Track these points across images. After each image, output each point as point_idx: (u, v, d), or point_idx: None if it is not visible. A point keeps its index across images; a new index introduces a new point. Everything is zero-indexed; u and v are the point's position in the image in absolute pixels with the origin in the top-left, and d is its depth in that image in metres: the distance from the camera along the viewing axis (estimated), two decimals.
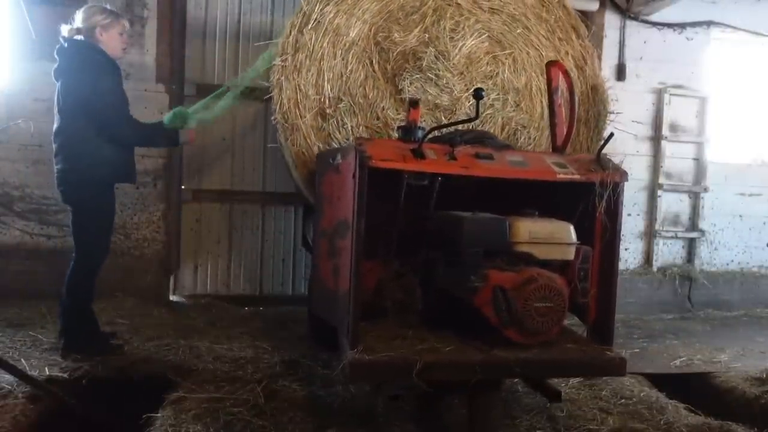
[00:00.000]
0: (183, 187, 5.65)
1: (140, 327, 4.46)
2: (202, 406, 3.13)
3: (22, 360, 3.62)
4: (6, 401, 3.07)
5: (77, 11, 3.85)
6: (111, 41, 3.80)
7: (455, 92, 4.35)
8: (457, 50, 4.38)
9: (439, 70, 4.32)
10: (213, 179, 5.70)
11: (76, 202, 3.79)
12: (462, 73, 4.39)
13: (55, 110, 3.77)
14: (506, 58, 4.50)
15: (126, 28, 3.92)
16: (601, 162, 3.16)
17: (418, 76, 4.30)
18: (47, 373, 3.47)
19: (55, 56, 3.75)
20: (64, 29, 3.81)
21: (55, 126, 3.78)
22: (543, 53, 4.54)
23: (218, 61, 5.60)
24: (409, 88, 4.26)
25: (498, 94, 4.47)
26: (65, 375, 3.48)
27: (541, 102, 4.50)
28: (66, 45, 3.76)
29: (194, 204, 5.67)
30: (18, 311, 4.64)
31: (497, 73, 4.48)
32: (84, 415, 3.27)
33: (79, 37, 3.76)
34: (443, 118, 4.30)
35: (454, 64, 4.36)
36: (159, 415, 3.08)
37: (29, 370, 3.42)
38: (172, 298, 5.57)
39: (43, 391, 3.16)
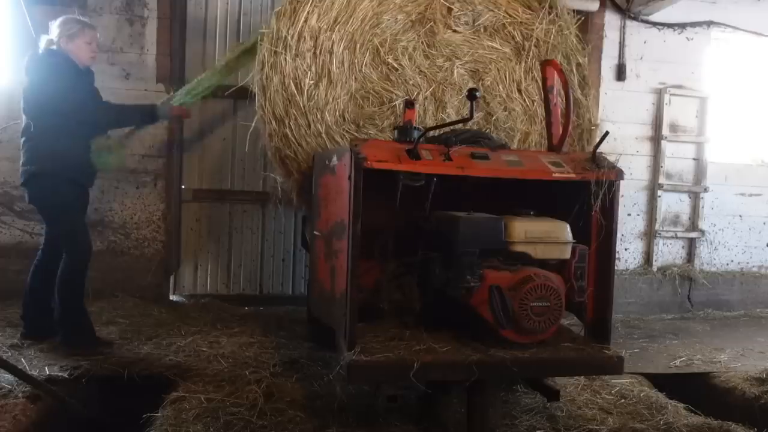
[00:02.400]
0: (183, 187, 5.66)
1: (140, 327, 4.47)
2: (202, 406, 3.14)
3: (22, 360, 3.63)
4: (6, 401, 3.08)
5: (50, 23, 4.00)
6: (77, 50, 3.95)
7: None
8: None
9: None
10: (213, 179, 5.71)
11: (36, 198, 3.95)
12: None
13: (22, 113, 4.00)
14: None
15: (96, 38, 4.06)
16: (596, 161, 3.16)
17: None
18: (47, 372, 3.48)
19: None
20: (42, 40, 3.99)
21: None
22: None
23: (218, 61, 5.60)
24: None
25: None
26: (65, 375, 3.48)
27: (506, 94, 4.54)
28: (29, 56, 3.94)
29: (194, 204, 5.69)
30: (18, 311, 4.64)
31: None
32: (84, 415, 3.28)
33: (53, 48, 3.93)
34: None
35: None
36: (159, 415, 3.09)
37: (29, 370, 3.42)
38: (172, 297, 5.59)
39: (43, 391, 3.16)
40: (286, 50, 4.17)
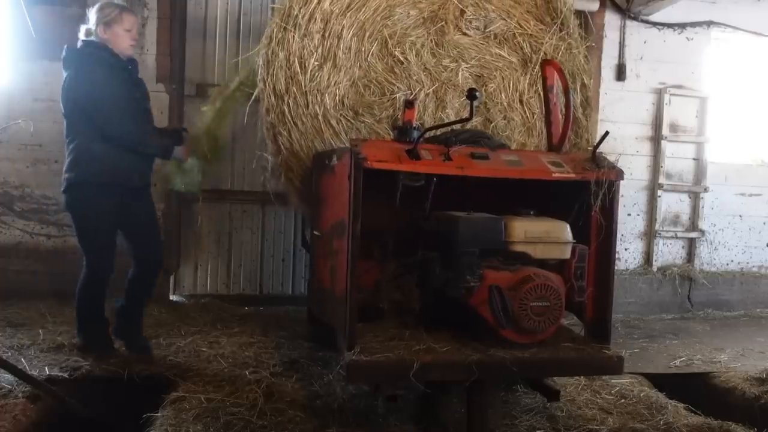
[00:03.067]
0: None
1: None
2: (202, 406, 3.13)
3: (22, 360, 3.63)
4: (6, 401, 3.08)
5: (88, 10, 3.78)
6: (116, 39, 3.67)
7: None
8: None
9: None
10: (213, 179, 5.70)
11: (69, 207, 3.73)
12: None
13: None
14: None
15: (133, 23, 3.76)
16: (596, 160, 3.16)
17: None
18: (47, 372, 3.48)
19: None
20: (81, 30, 3.72)
21: None
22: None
23: (218, 61, 5.61)
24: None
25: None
26: (65, 375, 3.49)
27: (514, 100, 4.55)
28: (66, 52, 3.70)
29: (194, 204, 5.68)
30: (18, 311, 4.66)
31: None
32: (84, 415, 3.28)
33: (91, 38, 3.68)
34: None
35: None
36: (159, 415, 3.09)
37: (29, 370, 3.43)
38: (172, 297, 5.58)
39: (43, 391, 3.16)
40: (295, 28, 4.18)
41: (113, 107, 3.59)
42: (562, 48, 4.57)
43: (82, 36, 3.72)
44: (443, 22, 4.48)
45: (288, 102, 4.15)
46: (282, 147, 4.17)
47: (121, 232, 3.82)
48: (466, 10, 4.51)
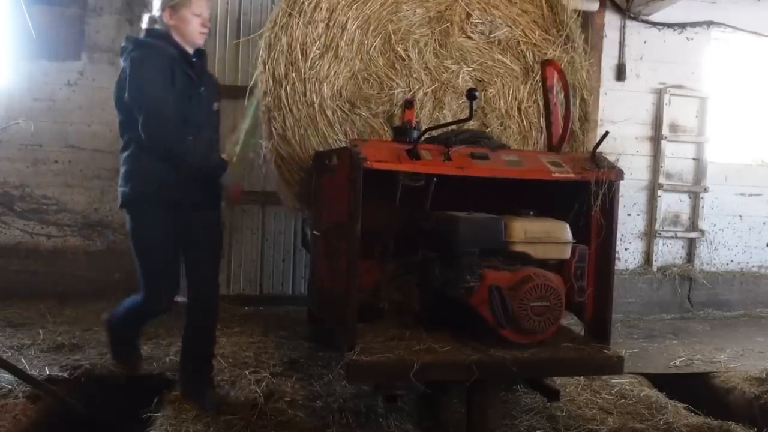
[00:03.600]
0: None
1: None
2: None
3: (22, 359, 3.63)
4: (6, 401, 3.08)
5: None
6: (183, 25, 3.13)
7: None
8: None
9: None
10: None
11: (127, 226, 3.20)
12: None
13: None
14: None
15: (205, 6, 3.22)
16: (596, 160, 3.16)
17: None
18: (47, 372, 3.48)
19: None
20: (144, 20, 3.20)
21: None
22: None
23: (218, 61, 5.61)
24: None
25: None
26: (65, 374, 3.49)
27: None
28: (125, 42, 3.15)
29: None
30: (18, 311, 4.66)
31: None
32: (84, 415, 3.28)
33: (155, 27, 3.15)
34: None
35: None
36: (159, 414, 3.09)
37: (29, 370, 3.43)
38: None
39: (43, 391, 3.16)
40: (300, 15, 4.18)
41: (157, 108, 2.97)
42: (565, 60, 4.56)
43: (144, 25, 3.19)
44: (448, 24, 4.47)
45: (286, 87, 4.14)
46: (274, 132, 4.16)
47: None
48: (473, 14, 4.51)
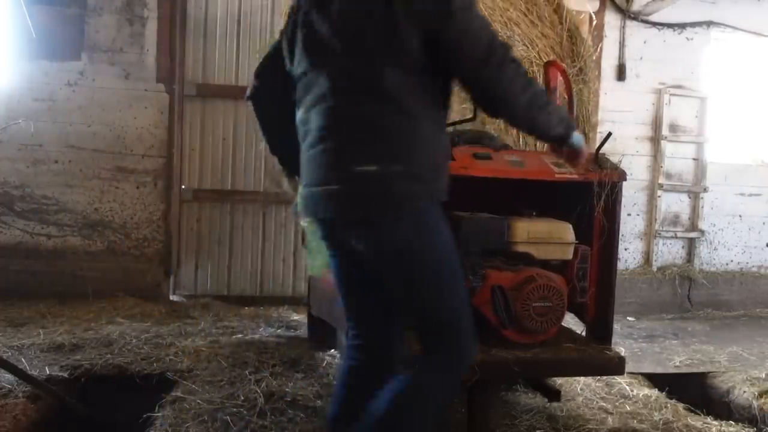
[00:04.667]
0: (183, 186, 5.65)
1: (140, 327, 4.47)
2: (202, 406, 3.12)
3: (23, 359, 3.62)
4: (6, 401, 3.07)
5: None
6: None
7: None
8: None
9: None
10: (213, 179, 5.70)
11: (380, 241, 2.02)
12: None
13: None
14: None
15: None
16: (599, 161, 3.16)
17: None
18: (47, 372, 3.46)
19: None
20: None
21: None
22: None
23: (218, 61, 5.60)
24: None
25: None
26: (65, 374, 3.48)
27: None
28: None
29: (194, 204, 5.68)
30: (18, 311, 4.65)
31: None
32: (84, 415, 3.27)
33: None
34: None
35: None
36: (159, 414, 3.08)
37: (29, 370, 3.42)
38: (173, 297, 5.58)
39: (43, 391, 3.16)
40: None
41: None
42: (574, 90, 4.58)
43: None
44: None
45: None
46: None
47: None
48: (492, 26, 4.49)
